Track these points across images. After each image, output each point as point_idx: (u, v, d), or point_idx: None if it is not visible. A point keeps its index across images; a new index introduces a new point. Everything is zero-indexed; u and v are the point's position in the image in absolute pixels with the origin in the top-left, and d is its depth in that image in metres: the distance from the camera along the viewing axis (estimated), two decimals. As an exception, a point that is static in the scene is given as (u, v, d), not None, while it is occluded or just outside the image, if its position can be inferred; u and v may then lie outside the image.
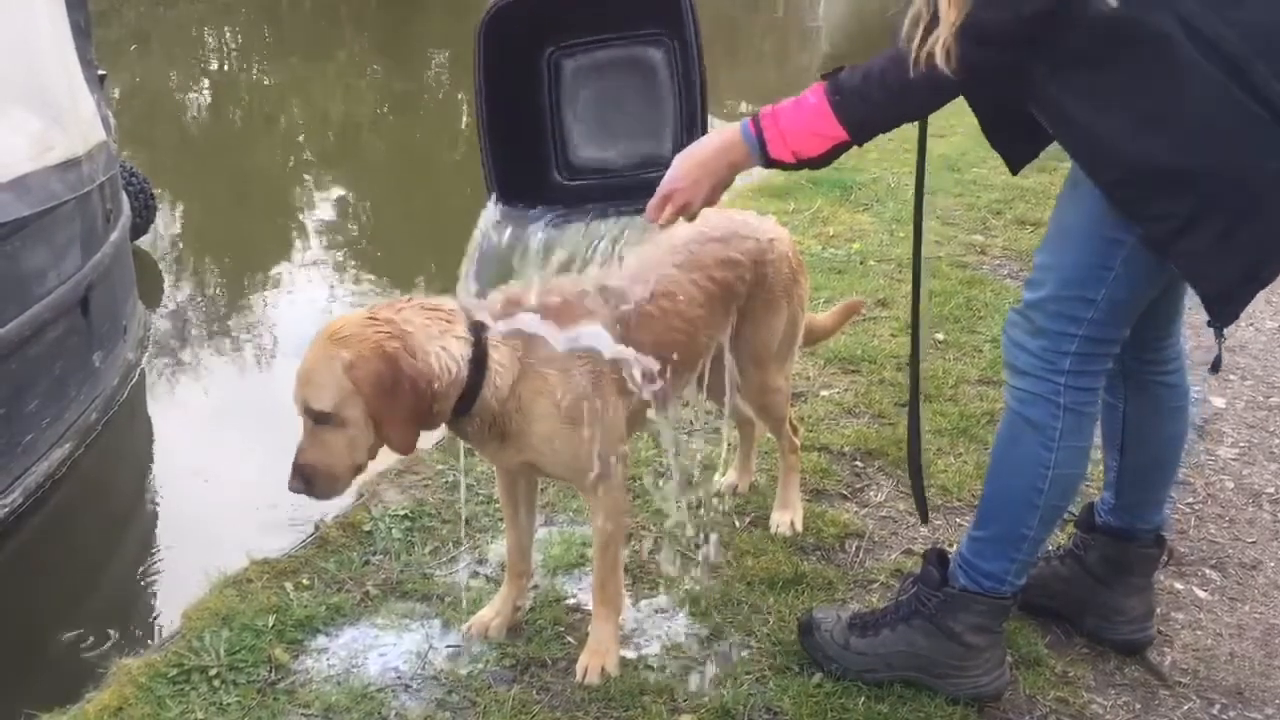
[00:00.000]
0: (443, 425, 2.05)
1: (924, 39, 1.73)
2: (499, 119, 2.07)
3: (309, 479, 1.95)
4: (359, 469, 1.99)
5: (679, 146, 1.95)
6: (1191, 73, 1.69)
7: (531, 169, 2.16)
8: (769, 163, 1.86)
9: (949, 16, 1.69)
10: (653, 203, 1.91)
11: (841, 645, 2.21)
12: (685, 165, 1.89)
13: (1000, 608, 2.14)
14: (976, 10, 1.68)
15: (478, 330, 2.01)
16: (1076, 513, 2.44)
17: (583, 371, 2.08)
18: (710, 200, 1.92)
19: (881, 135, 1.88)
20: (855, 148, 1.86)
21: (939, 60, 1.72)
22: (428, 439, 3.36)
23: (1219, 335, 1.94)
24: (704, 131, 1.95)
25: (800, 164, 1.86)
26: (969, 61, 1.71)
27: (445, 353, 1.95)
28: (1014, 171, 2.12)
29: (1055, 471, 2.01)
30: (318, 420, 1.93)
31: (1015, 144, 2.06)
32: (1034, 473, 2.02)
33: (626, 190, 2.04)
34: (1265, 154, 1.72)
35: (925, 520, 2.52)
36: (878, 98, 1.79)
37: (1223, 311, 1.88)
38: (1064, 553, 2.42)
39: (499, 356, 2.02)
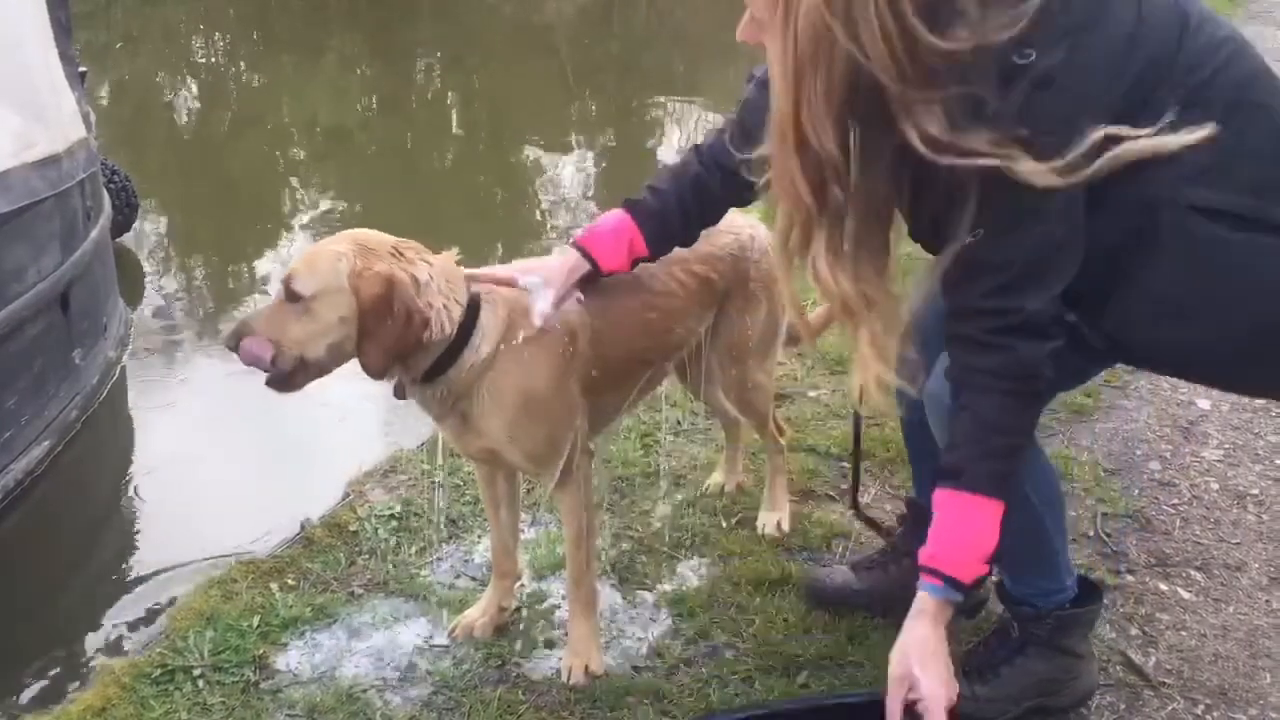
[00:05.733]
0: (405, 383, 2.05)
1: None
2: None
3: (241, 337, 1.93)
4: (300, 362, 1.93)
5: None
6: (1219, 247, 1.66)
7: None
8: (970, 592, 1.76)
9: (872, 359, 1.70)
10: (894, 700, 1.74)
11: (970, 698, 2.09)
12: (913, 655, 1.73)
13: (1096, 611, 2.16)
14: (1017, 297, 1.64)
15: (474, 300, 2.02)
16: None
17: (554, 363, 2.08)
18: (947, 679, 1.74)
19: None
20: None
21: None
22: (413, 438, 3.36)
23: None
24: None
25: (995, 553, 1.73)
26: (1030, 364, 1.67)
27: (445, 312, 1.97)
28: None
29: (1037, 496, 1.99)
30: (290, 298, 1.94)
31: None
32: (1023, 509, 1.94)
33: None
34: None
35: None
36: (986, 446, 1.71)
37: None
38: (908, 550, 2.29)
39: (486, 332, 2.03)
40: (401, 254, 1.97)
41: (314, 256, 1.96)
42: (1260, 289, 1.68)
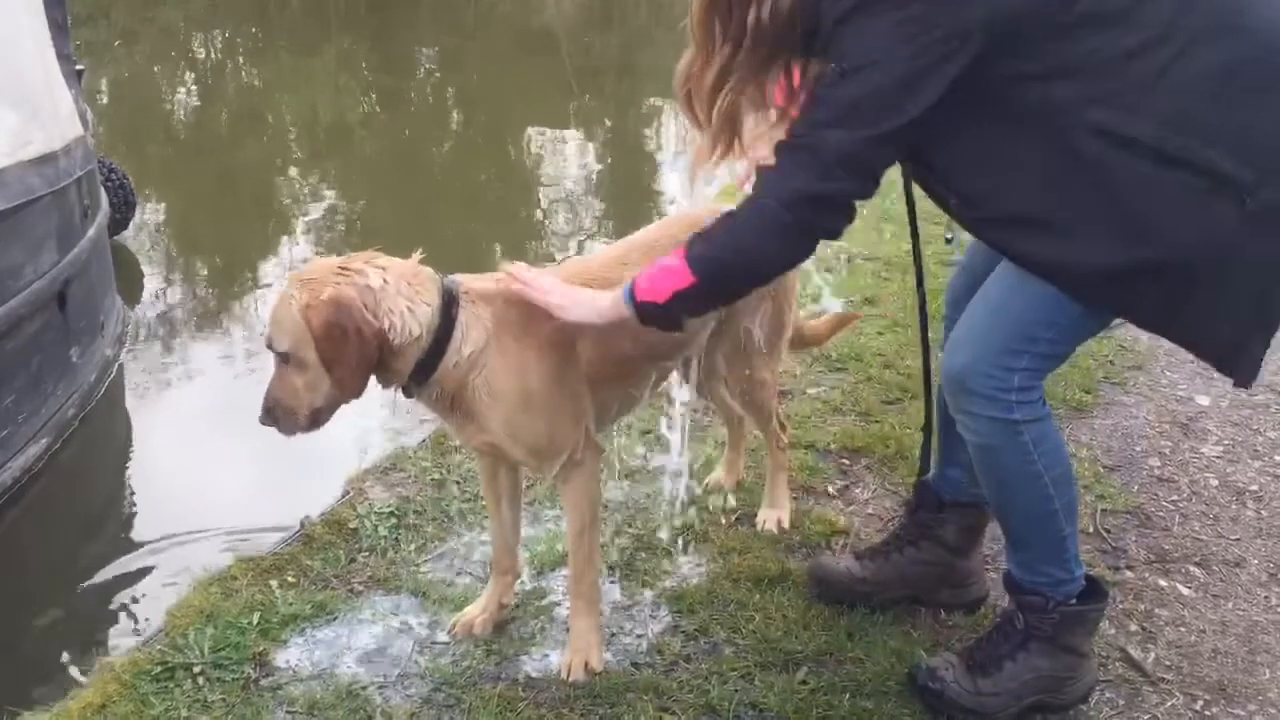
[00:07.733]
0: (402, 385, 2.05)
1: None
2: None
3: (272, 413, 1.99)
4: (318, 411, 1.98)
5: None
6: (1121, 175, 1.71)
7: None
8: (638, 307, 1.92)
9: None
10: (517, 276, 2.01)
11: (974, 692, 2.14)
12: (579, 303, 2.00)
13: (1101, 610, 2.16)
14: (823, 130, 1.76)
15: (449, 299, 2.01)
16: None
17: (554, 353, 2.07)
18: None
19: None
20: (712, 298, 1.97)
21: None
22: (413, 435, 3.36)
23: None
24: None
25: (663, 308, 1.90)
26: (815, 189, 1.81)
27: (409, 314, 1.95)
28: None
29: (1050, 475, 2.00)
30: (280, 359, 1.96)
31: None
32: (1034, 486, 2.00)
33: None
34: (1216, 219, 1.71)
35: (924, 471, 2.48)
36: (719, 237, 1.86)
37: (1237, 369, 1.86)
38: (912, 539, 2.40)
39: (467, 329, 2.01)
40: (347, 269, 1.95)
41: (275, 311, 1.97)
42: (1141, 217, 1.72)
